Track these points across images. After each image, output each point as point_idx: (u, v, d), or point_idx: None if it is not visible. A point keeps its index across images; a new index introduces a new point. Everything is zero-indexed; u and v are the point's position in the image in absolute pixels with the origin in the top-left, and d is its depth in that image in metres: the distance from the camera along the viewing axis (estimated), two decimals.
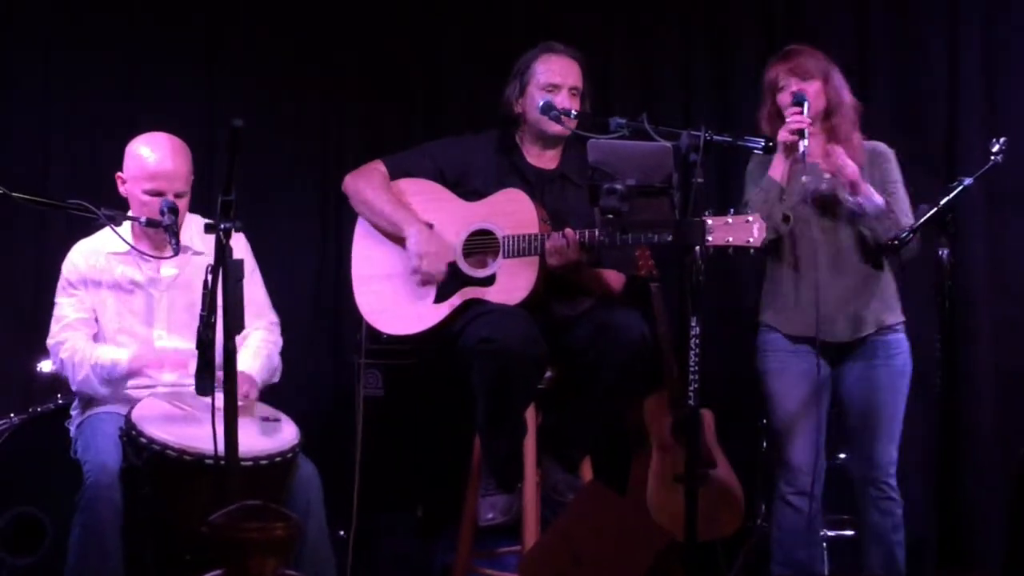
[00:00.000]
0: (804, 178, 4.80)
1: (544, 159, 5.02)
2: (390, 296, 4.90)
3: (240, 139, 3.76)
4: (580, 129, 4.81)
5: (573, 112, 4.85)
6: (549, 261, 4.71)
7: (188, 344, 4.38)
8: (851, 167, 4.72)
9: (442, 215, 4.89)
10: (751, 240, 4.23)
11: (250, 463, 4.17)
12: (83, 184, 5.80)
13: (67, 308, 4.71)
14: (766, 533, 5.12)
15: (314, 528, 4.53)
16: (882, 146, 5.00)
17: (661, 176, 3.99)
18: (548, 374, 4.80)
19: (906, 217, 4.82)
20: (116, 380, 4.62)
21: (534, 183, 4.95)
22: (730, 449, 5.48)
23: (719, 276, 5.87)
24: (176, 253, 4.55)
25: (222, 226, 3.81)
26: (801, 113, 4.70)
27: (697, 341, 3.95)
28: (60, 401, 5.22)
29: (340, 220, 6.00)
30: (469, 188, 4.94)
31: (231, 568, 3.02)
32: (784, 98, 4.85)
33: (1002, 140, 4.73)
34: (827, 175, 4.83)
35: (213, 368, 3.90)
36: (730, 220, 4.23)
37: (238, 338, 3.82)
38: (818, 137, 4.81)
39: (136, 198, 4.67)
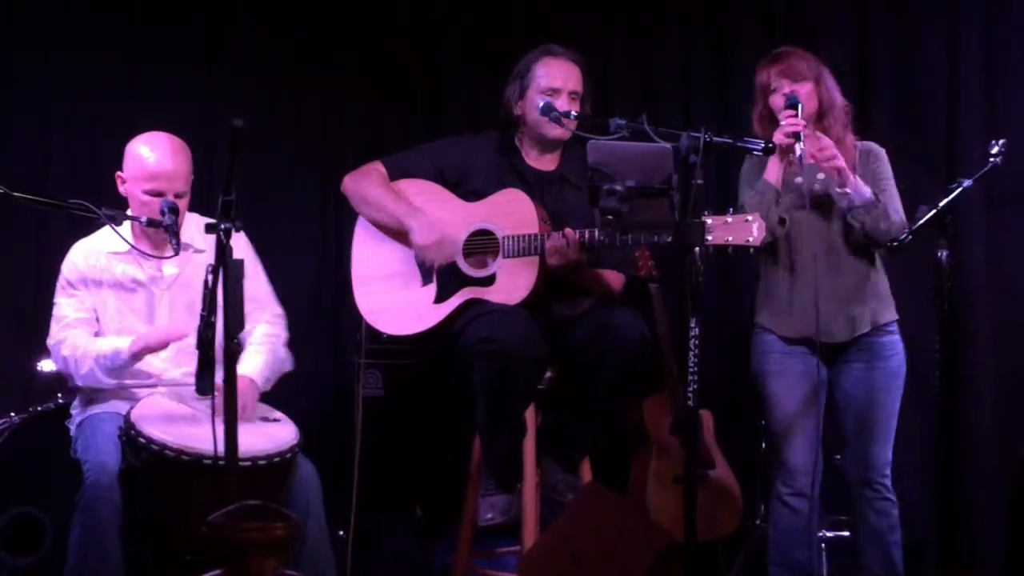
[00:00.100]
0: (798, 179, 4.81)
1: (543, 161, 5.02)
2: (390, 296, 4.91)
3: (240, 139, 3.76)
4: (580, 130, 4.81)
5: (573, 113, 4.85)
6: (549, 261, 4.71)
7: (189, 342, 4.38)
8: (838, 159, 4.70)
9: (442, 215, 4.89)
10: (751, 239, 4.22)
11: (249, 463, 4.17)
12: (83, 184, 5.80)
13: (67, 308, 4.71)
14: (765, 533, 5.12)
15: (314, 528, 4.53)
16: (874, 146, 5.00)
17: (661, 177, 3.99)
18: (548, 374, 4.80)
19: (897, 214, 4.82)
20: (120, 368, 4.62)
21: (533, 184, 4.95)
22: (729, 450, 5.49)
23: (718, 277, 5.89)
24: (176, 253, 4.55)
25: (223, 226, 3.81)
26: (795, 116, 4.69)
27: (696, 342, 3.96)
28: (60, 400, 5.22)
29: (340, 220, 6.00)
30: (469, 188, 4.94)
31: (231, 568, 3.02)
32: (777, 100, 4.85)
33: (1001, 142, 4.73)
34: (820, 176, 4.82)
35: (213, 368, 3.90)
36: (729, 219, 4.23)
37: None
38: (811, 139, 4.80)
39: (136, 198, 4.67)
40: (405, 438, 5.88)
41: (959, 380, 5.79)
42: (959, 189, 4.63)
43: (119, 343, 4.61)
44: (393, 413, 5.82)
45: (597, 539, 4.25)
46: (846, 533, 5.33)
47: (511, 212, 4.82)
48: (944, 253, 4.55)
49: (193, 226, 4.76)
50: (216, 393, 3.87)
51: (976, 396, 5.90)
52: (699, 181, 3.92)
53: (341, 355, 6.17)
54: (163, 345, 4.60)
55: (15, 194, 4.48)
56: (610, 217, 4.00)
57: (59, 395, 5.27)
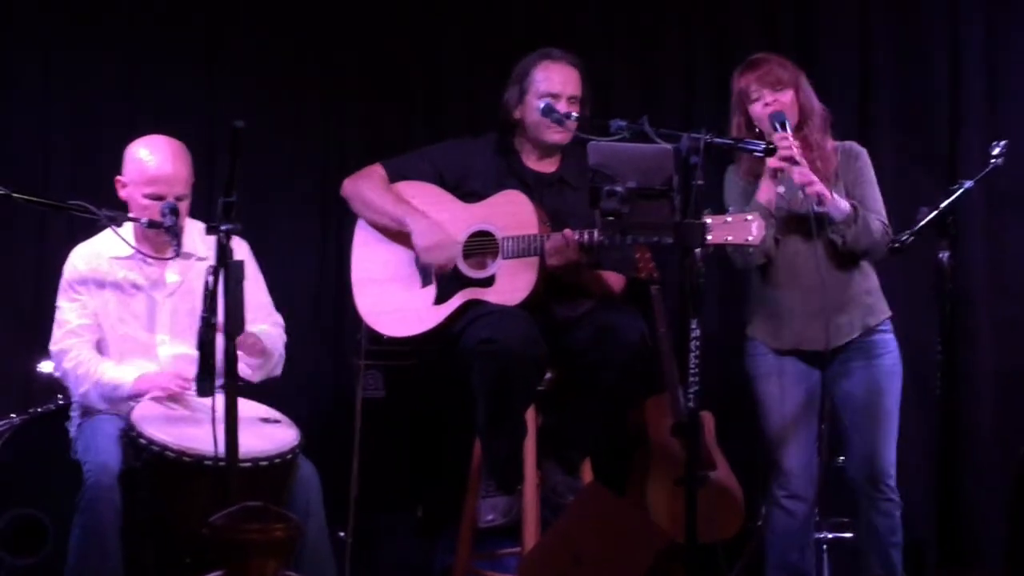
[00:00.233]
0: (780, 188, 4.79)
1: (543, 164, 5.02)
2: (390, 298, 4.91)
3: (241, 140, 3.76)
4: (580, 132, 4.81)
5: (573, 115, 4.85)
6: (549, 262, 4.72)
7: (190, 349, 4.38)
8: (815, 184, 4.67)
9: (442, 217, 4.89)
10: (750, 238, 4.22)
11: (249, 464, 4.16)
12: (84, 185, 5.80)
13: (69, 312, 4.71)
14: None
15: (314, 529, 4.53)
16: (854, 146, 4.97)
17: (661, 179, 3.98)
18: (548, 375, 4.80)
19: (878, 216, 4.81)
20: (117, 400, 4.61)
21: (532, 186, 4.95)
22: (730, 451, 5.48)
23: (719, 278, 5.89)
24: (178, 254, 4.55)
25: (223, 227, 3.81)
26: (787, 137, 4.65)
27: (697, 343, 3.95)
28: (60, 402, 5.22)
29: (341, 220, 5.99)
30: (468, 190, 4.94)
31: (231, 569, 3.03)
32: (758, 109, 4.82)
33: (1003, 143, 4.73)
34: (799, 195, 4.81)
35: (213, 369, 3.90)
36: (729, 219, 4.23)
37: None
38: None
39: (136, 202, 4.66)
40: (405, 439, 5.89)
41: (960, 380, 5.79)
42: (960, 190, 4.63)
43: (123, 376, 4.62)
44: (393, 414, 5.82)
45: (597, 540, 4.26)
46: (847, 535, 5.33)
47: (510, 213, 4.82)
48: (945, 254, 4.55)
49: (195, 233, 4.74)
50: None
51: (976, 395, 5.91)
52: (700, 182, 3.91)
53: (341, 356, 6.16)
54: (165, 395, 4.59)
55: (15, 195, 4.48)
56: (611, 218, 3.99)
57: (59, 396, 5.26)
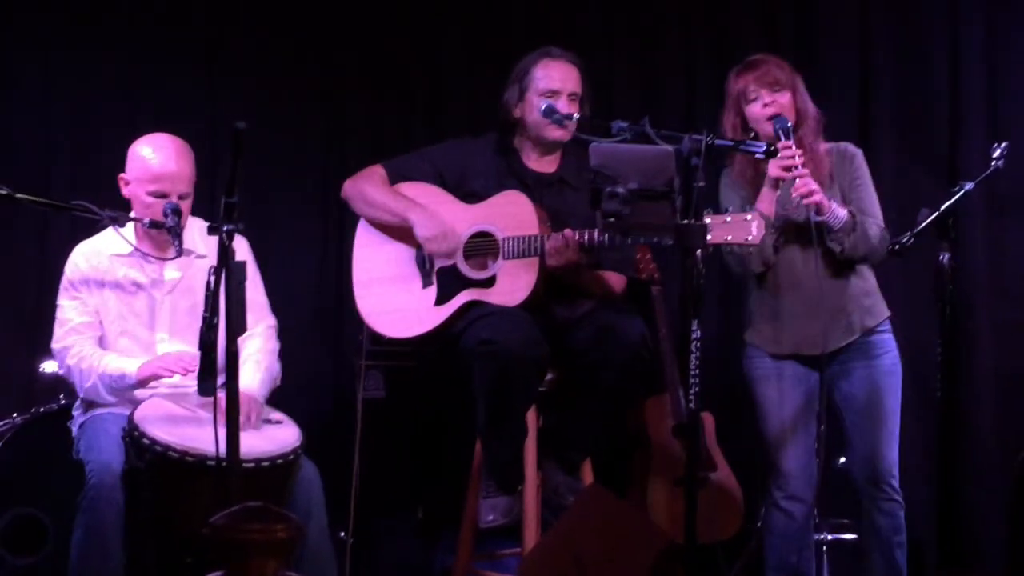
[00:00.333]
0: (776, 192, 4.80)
1: (543, 163, 5.02)
2: (390, 299, 4.90)
3: (243, 141, 3.77)
4: (580, 132, 4.81)
5: (575, 116, 4.85)
6: (549, 262, 4.72)
7: (190, 347, 4.39)
8: (816, 194, 4.67)
9: (442, 216, 4.90)
10: (750, 238, 4.21)
11: (251, 465, 4.17)
12: (84, 184, 5.80)
13: (70, 311, 4.72)
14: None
15: (315, 529, 4.53)
16: (849, 147, 4.97)
17: (663, 180, 3.97)
18: (549, 376, 4.79)
19: (875, 220, 4.82)
20: (123, 390, 4.62)
21: (532, 186, 4.95)
22: (730, 451, 5.48)
23: (720, 279, 5.89)
24: (179, 254, 4.55)
25: (225, 228, 3.82)
26: (791, 146, 4.65)
27: (698, 344, 3.95)
28: (62, 401, 5.22)
29: (341, 221, 6.00)
30: (468, 191, 4.94)
31: (232, 569, 3.03)
32: (756, 110, 4.81)
33: (1003, 145, 4.73)
34: (795, 195, 4.81)
35: (215, 369, 3.91)
36: (728, 219, 4.22)
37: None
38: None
39: (139, 200, 4.67)
40: (406, 440, 5.90)
41: (960, 381, 5.80)
42: (961, 192, 4.63)
43: (127, 365, 4.62)
44: (394, 415, 5.82)
45: (598, 541, 4.26)
46: (847, 536, 5.33)
47: (511, 214, 4.82)
48: (946, 256, 4.55)
49: (196, 231, 4.75)
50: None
51: (977, 397, 5.92)
52: (701, 184, 3.91)
53: (342, 356, 6.16)
54: (171, 375, 4.60)
55: (17, 195, 4.48)
56: (612, 219, 3.99)
57: (61, 396, 5.27)
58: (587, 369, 4.68)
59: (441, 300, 4.84)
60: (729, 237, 4.21)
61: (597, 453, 4.95)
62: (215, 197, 4.84)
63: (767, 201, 4.75)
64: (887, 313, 4.91)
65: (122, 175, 4.73)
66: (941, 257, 4.55)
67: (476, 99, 6.42)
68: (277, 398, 4.83)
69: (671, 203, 3.95)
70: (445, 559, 5.53)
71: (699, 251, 3.88)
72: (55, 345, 4.73)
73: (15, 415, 5.29)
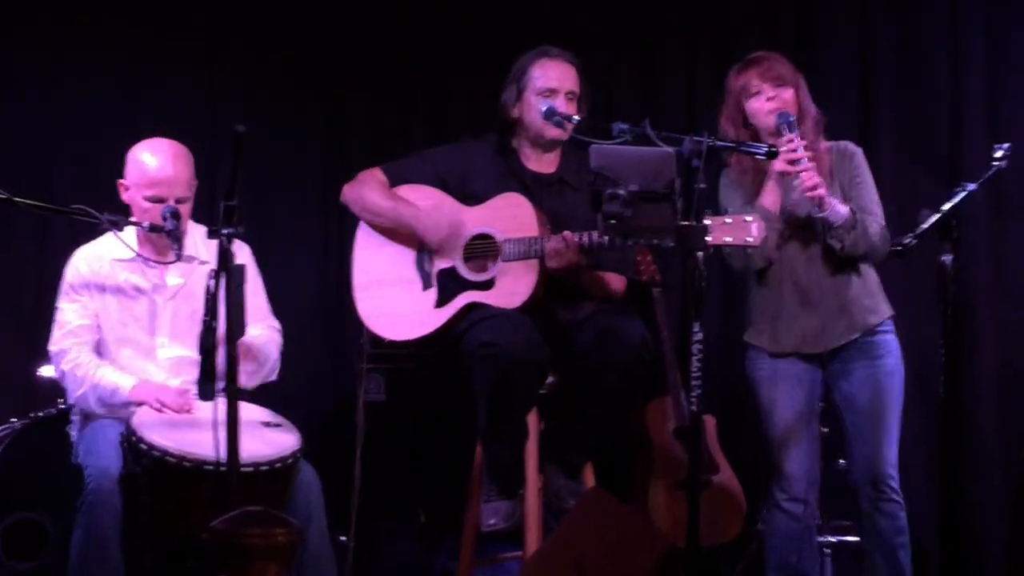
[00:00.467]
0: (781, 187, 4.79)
1: (542, 163, 5.01)
2: (391, 301, 4.90)
3: (243, 144, 3.76)
4: (579, 133, 4.80)
5: (575, 118, 4.84)
6: (549, 264, 4.71)
7: (190, 352, 4.37)
8: (820, 188, 4.67)
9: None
10: (750, 239, 4.22)
11: (250, 469, 4.15)
12: (86, 185, 5.78)
13: (70, 314, 4.70)
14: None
15: (315, 533, 4.52)
16: (849, 145, 4.97)
17: (663, 182, 3.98)
18: (550, 379, 4.79)
19: (875, 218, 4.82)
20: (114, 405, 4.61)
21: (532, 187, 4.94)
22: (731, 453, 5.48)
23: (721, 281, 5.88)
24: (179, 258, 4.54)
25: (225, 231, 3.81)
26: (795, 141, 4.65)
27: (700, 346, 3.94)
28: (61, 406, 5.20)
29: (342, 222, 5.99)
30: (469, 192, 4.94)
31: (232, 574, 3.03)
32: (759, 105, 4.81)
33: (1005, 146, 4.71)
34: (796, 183, 4.80)
35: (215, 374, 3.90)
36: (728, 220, 4.23)
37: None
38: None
39: (138, 205, 4.67)
40: (407, 443, 5.89)
41: (962, 382, 5.81)
42: (963, 193, 4.61)
43: (121, 381, 4.61)
44: (395, 418, 5.81)
45: (599, 545, 4.26)
46: (850, 538, 5.32)
47: (511, 216, 4.81)
48: (948, 257, 4.53)
49: (197, 237, 4.76)
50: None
51: (979, 398, 5.92)
52: (702, 185, 3.91)
53: (343, 359, 6.15)
54: (161, 409, 4.57)
55: (17, 199, 4.48)
56: (612, 221, 3.98)
57: (60, 401, 5.23)
58: (588, 372, 4.68)
59: (441, 302, 4.83)
60: (729, 238, 4.22)
61: (598, 456, 4.94)
62: (215, 198, 4.82)
63: (771, 195, 4.75)
64: (890, 312, 4.90)
65: (121, 180, 4.73)
66: (943, 258, 4.53)
67: (476, 99, 6.41)
68: (277, 400, 4.81)
69: (672, 205, 3.95)
70: (446, 563, 5.54)
71: (700, 253, 3.87)
72: (52, 347, 4.72)
73: (14, 419, 5.30)
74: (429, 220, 4.85)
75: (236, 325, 3.80)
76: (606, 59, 6.38)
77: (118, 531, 4.33)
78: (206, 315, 3.88)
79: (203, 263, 4.74)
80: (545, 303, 4.80)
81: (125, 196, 4.72)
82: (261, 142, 5.72)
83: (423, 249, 4.91)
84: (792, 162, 4.64)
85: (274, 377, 4.89)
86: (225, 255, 3.82)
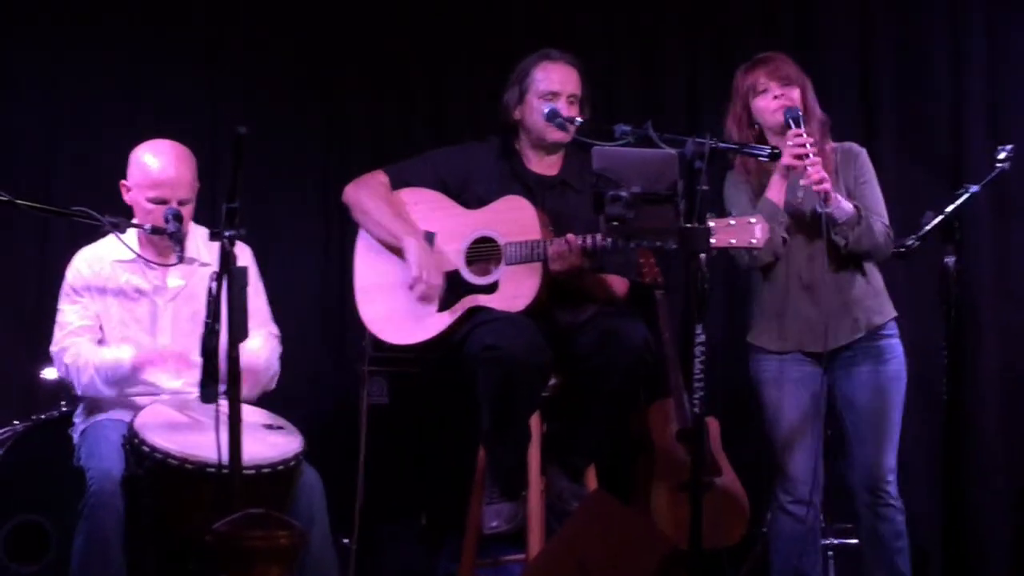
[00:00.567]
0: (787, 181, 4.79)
1: (544, 165, 5.01)
2: (393, 305, 4.89)
3: (245, 146, 3.75)
4: (581, 135, 4.80)
5: (578, 121, 4.84)
6: (552, 267, 4.71)
7: (192, 354, 4.37)
8: (826, 182, 4.67)
9: (444, 223, 4.89)
10: (754, 241, 4.22)
11: (252, 471, 4.14)
12: (86, 185, 5.80)
13: (71, 315, 4.71)
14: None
15: (318, 536, 4.51)
16: (853, 146, 4.98)
17: (666, 184, 3.98)
18: (552, 381, 4.79)
19: (880, 218, 4.82)
20: (120, 379, 4.61)
21: (534, 189, 4.94)
22: (734, 456, 5.48)
23: (724, 283, 5.88)
24: (180, 260, 4.54)
25: (226, 234, 3.81)
26: (801, 134, 4.66)
27: (703, 348, 3.94)
28: (63, 408, 5.22)
29: (343, 222, 5.96)
30: (471, 195, 4.94)
31: None
32: (766, 103, 4.82)
33: (1008, 147, 4.72)
34: (800, 194, 4.79)
35: (217, 376, 3.89)
36: (732, 222, 4.23)
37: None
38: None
39: (140, 206, 4.67)
40: (410, 446, 5.89)
41: (965, 384, 5.81)
42: (966, 195, 4.62)
43: (120, 354, 4.61)
44: (397, 421, 5.81)
45: (602, 547, 4.25)
46: (853, 540, 5.32)
47: (513, 219, 4.81)
48: (951, 258, 4.54)
49: (199, 239, 4.77)
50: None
51: (982, 400, 5.92)
52: (704, 187, 3.91)
53: (345, 363, 6.13)
54: (163, 360, 4.58)
55: (19, 202, 4.47)
56: (615, 223, 3.98)
57: (62, 403, 5.27)
58: (591, 374, 4.67)
59: (444, 306, 4.82)
60: (733, 241, 4.22)
61: (601, 458, 4.94)
62: (216, 198, 4.83)
63: (777, 189, 4.76)
64: (893, 314, 4.90)
65: (123, 181, 4.74)
66: (946, 260, 4.54)
67: (476, 99, 6.42)
68: (280, 403, 4.81)
69: (674, 207, 3.95)
70: (449, 565, 5.54)
71: (703, 255, 3.87)
72: (53, 348, 4.72)
73: (16, 422, 5.29)
74: (419, 257, 4.82)
75: (238, 328, 3.80)
76: (606, 59, 6.38)
77: (120, 533, 4.33)
78: (208, 317, 3.87)
79: (204, 265, 4.74)
80: (548, 306, 4.79)
81: (127, 197, 4.72)
82: (261, 142, 5.72)
83: None
84: (799, 157, 4.64)
85: (272, 386, 4.88)
86: (227, 258, 3.81)
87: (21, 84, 6.20)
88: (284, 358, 4.93)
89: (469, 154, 5.07)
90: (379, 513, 5.64)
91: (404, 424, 5.85)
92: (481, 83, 6.31)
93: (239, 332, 3.80)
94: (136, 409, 4.53)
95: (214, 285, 3.83)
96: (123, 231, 4.60)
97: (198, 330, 3.96)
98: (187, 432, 4.38)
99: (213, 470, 4.00)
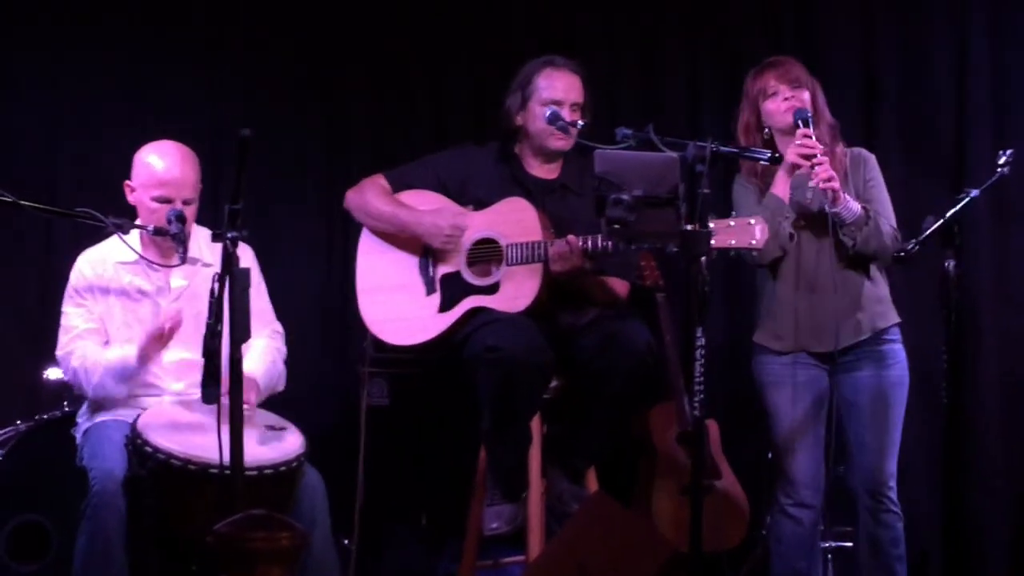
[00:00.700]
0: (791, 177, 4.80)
1: (545, 170, 5.03)
2: (394, 307, 4.91)
3: (248, 149, 3.76)
4: (582, 138, 4.82)
5: (580, 123, 4.85)
6: (553, 268, 4.72)
7: (194, 354, 4.37)
8: (834, 180, 4.68)
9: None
10: (754, 242, 4.22)
11: (254, 472, 4.15)
12: (87, 187, 5.81)
13: (75, 318, 4.71)
14: (770, 544, 5.11)
15: (319, 537, 4.52)
16: (863, 151, 5.01)
17: (667, 187, 3.97)
18: (554, 384, 4.80)
19: (887, 220, 4.84)
20: (130, 375, 4.62)
21: (535, 193, 4.95)
22: (735, 459, 5.48)
23: (725, 286, 5.89)
24: (183, 261, 4.54)
25: (229, 235, 3.82)
26: (810, 135, 4.68)
27: (703, 351, 3.95)
28: (66, 409, 5.22)
29: (345, 222, 5.96)
30: (471, 198, 4.95)
31: None
32: (775, 105, 4.84)
33: (1009, 152, 4.72)
34: (808, 195, 4.81)
35: (219, 377, 3.90)
36: (732, 223, 4.24)
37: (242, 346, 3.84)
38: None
39: (145, 206, 4.69)
40: (410, 447, 5.90)
41: (965, 388, 5.80)
42: (966, 199, 4.62)
43: (125, 351, 4.61)
44: (398, 422, 5.81)
45: (602, 549, 4.26)
46: (851, 544, 5.32)
47: (515, 220, 4.83)
48: (951, 263, 4.54)
49: (202, 240, 4.78)
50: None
51: (982, 404, 5.91)
52: (705, 191, 3.92)
53: (347, 364, 6.12)
54: (162, 330, 4.56)
55: (22, 203, 4.47)
56: (616, 226, 3.98)
57: (65, 403, 5.27)
58: (592, 376, 4.69)
59: (445, 307, 4.84)
60: (733, 242, 4.22)
61: (602, 460, 4.95)
62: (217, 198, 4.85)
63: (782, 185, 4.77)
64: (897, 319, 4.92)
65: (127, 182, 4.75)
66: (946, 264, 4.55)
67: (476, 99, 6.41)
68: (281, 404, 4.81)
69: (675, 210, 3.95)
70: (449, 567, 5.53)
71: (704, 258, 3.88)
72: (60, 352, 4.73)
73: (19, 422, 5.28)
74: (431, 223, 4.86)
75: (240, 329, 3.81)
76: (606, 59, 6.37)
77: (122, 534, 4.34)
78: (210, 318, 3.88)
79: (207, 265, 4.75)
80: (549, 307, 4.81)
81: (131, 197, 4.74)
82: (261, 142, 5.71)
83: (426, 254, 4.93)
84: (806, 157, 4.65)
85: (281, 387, 4.90)
86: (229, 259, 3.82)
87: (21, 84, 6.19)
88: (286, 360, 4.94)
89: (469, 158, 5.08)
90: (380, 514, 5.64)
91: (405, 425, 5.85)
92: (481, 83, 6.32)
93: (241, 333, 3.81)
94: (139, 409, 4.54)
95: (216, 287, 3.84)
96: (126, 232, 4.61)
97: (201, 330, 3.96)
98: (190, 433, 4.38)
99: (215, 471, 4.01)
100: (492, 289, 4.80)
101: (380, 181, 5.03)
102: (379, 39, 6.51)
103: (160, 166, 4.68)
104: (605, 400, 4.70)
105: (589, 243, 4.67)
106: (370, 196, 4.99)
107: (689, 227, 3.89)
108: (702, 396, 3.97)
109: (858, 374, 4.85)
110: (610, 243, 4.59)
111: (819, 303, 4.82)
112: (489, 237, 4.84)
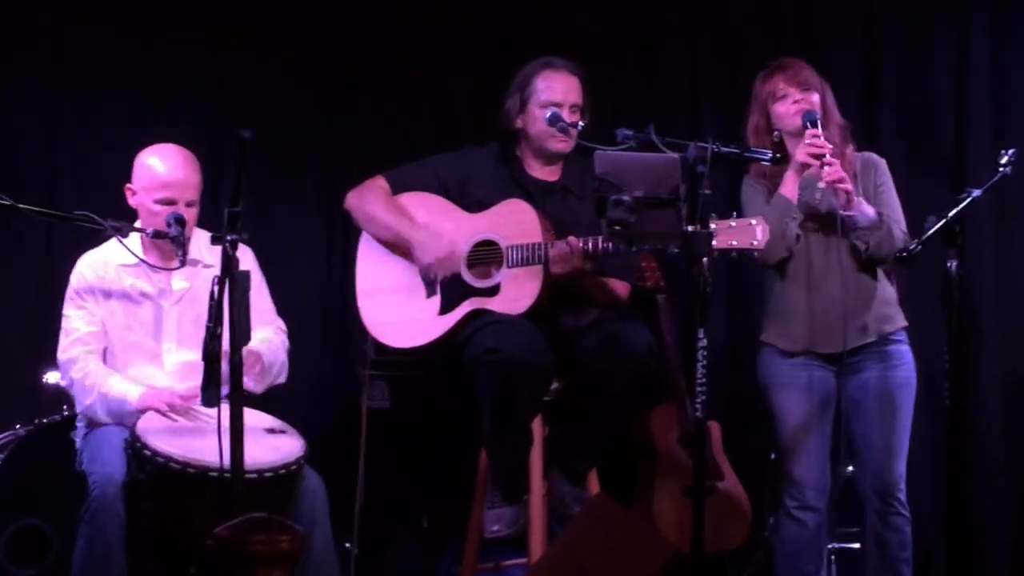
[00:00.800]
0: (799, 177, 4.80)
1: (545, 172, 5.03)
2: (395, 309, 4.91)
3: (248, 150, 3.75)
4: (583, 139, 4.82)
5: (580, 124, 4.84)
6: (553, 269, 4.71)
7: (197, 357, 4.36)
8: (846, 182, 4.68)
9: (445, 227, 4.89)
10: (755, 243, 4.23)
11: (254, 475, 4.15)
12: (88, 188, 5.82)
13: (76, 321, 4.70)
14: (773, 545, 5.10)
15: (320, 540, 4.51)
16: (874, 156, 5.02)
17: (668, 188, 3.97)
18: (555, 385, 4.79)
19: (898, 225, 4.84)
20: (121, 415, 4.59)
21: (535, 195, 4.95)
22: (737, 461, 5.47)
23: (726, 287, 5.88)
24: (183, 264, 4.53)
25: (229, 238, 3.81)
26: (819, 135, 4.68)
27: (704, 352, 3.94)
28: (66, 412, 5.22)
29: (345, 225, 5.95)
30: (471, 200, 4.95)
31: None
32: (784, 107, 4.85)
33: (1010, 152, 4.71)
34: (818, 196, 4.80)
35: (219, 380, 3.89)
36: (733, 224, 4.23)
37: None
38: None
39: (146, 208, 4.68)
40: (411, 450, 5.89)
41: (967, 388, 5.80)
42: (968, 199, 4.61)
43: (128, 390, 4.60)
44: (399, 424, 5.79)
45: (604, 551, 4.26)
46: (855, 545, 5.31)
47: (515, 222, 4.82)
48: (953, 263, 4.53)
49: (202, 242, 4.77)
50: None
51: (984, 404, 5.91)
52: (706, 191, 3.91)
53: (347, 366, 6.11)
54: (174, 405, 4.56)
55: (21, 206, 4.47)
56: (617, 227, 3.98)
57: (64, 407, 5.26)
58: (592, 378, 4.68)
59: (445, 309, 4.84)
60: (734, 242, 4.22)
61: (603, 462, 4.94)
62: (217, 199, 4.85)
63: (790, 185, 4.77)
64: (904, 324, 4.92)
65: (128, 185, 4.75)
66: (948, 264, 4.54)
67: (477, 99, 6.40)
68: (281, 405, 4.81)
69: (676, 211, 3.95)
70: (450, 568, 5.53)
71: (705, 259, 3.87)
72: (61, 356, 4.72)
73: (18, 426, 5.29)
74: (427, 243, 4.85)
75: (241, 332, 3.80)
76: (606, 59, 6.36)
77: (122, 537, 4.33)
78: (210, 321, 3.87)
79: (208, 266, 4.74)
80: (549, 309, 4.80)
81: (132, 200, 4.73)
82: (261, 142, 5.70)
83: None
84: (816, 156, 4.65)
85: (283, 379, 4.90)
86: (229, 262, 3.81)
87: (21, 85, 6.19)
88: (289, 352, 4.94)
89: (469, 159, 5.08)
90: (381, 516, 5.64)
91: (405, 428, 5.84)
92: (482, 84, 6.31)
93: (242, 336, 3.80)
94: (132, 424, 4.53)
95: (216, 289, 3.84)
96: (126, 235, 4.61)
97: (202, 332, 3.96)
98: (189, 436, 4.38)
99: (215, 474, 4.01)
100: (492, 291, 4.80)
101: (380, 183, 5.02)
102: (379, 39, 6.51)
103: (162, 169, 4.68)
104: (606, 402, 4.69)
105: (590, 244, 4.66)
106: (369, 200, 4.99)
107: (690, 228, 3.89)
108: (703, 397, 3.96)
109: (864, 375, 4.85)
110: (611, 244, 4.58)
111: (827, 304, 4.81)
112: (489, 239, 4.83)
